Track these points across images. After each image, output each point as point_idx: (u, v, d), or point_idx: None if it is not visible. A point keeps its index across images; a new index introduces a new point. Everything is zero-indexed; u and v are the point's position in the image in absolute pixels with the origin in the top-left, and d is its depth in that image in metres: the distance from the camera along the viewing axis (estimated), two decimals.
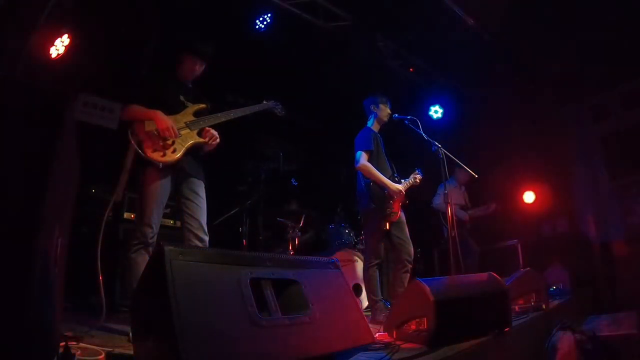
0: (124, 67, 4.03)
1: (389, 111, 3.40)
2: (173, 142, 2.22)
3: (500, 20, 4.56)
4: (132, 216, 3.55)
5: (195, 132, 2.33)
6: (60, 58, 3.33)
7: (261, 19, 4.56)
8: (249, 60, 4.83)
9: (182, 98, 2.42)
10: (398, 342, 1.86)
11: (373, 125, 3.42)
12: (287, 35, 4.64)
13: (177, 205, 2.34)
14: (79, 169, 1.61)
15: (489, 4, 4.39)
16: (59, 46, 3.33)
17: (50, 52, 3.29)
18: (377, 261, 3.12)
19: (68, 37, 3.37)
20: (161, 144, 2.16)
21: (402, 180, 3.26)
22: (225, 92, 5.36)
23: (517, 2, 4.33)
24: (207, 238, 2.28)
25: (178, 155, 2.19)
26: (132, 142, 2.13)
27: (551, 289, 4.01)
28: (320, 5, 4.52)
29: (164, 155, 2.15)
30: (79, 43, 3.48)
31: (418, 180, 3.30)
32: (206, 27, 4.19)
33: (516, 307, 2.89)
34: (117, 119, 4.10)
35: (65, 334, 1.67)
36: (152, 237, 2.16)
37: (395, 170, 3.37)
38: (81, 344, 1.58)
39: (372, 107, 3.45)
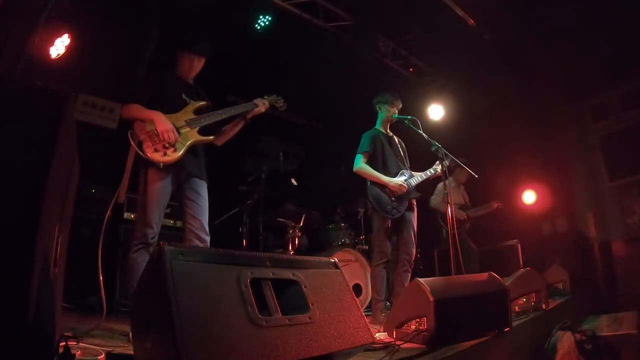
0: (124, 67, 4.03)
1: (394, 111, 3.39)
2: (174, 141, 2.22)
3: (500, 20, 4.56)
4: (133, 216, 3.55)
5: (196, 130, 2.32)
6: (60, 58, 3.33)
7: (261, 18, 4.56)
8: (249, 61, 4.83)
9: (184, 96, 2.42)
10: (398, 342, 1.86)
11: (380, 125, 3.43)
12: (287, 35, 4.64)
13: (179, 206, 2.34)
14: (79, 169, 1.61)
15: (488, 4, 4.39)
16: (59, 46, 3.33)
17: (50, 52, 3.29)
18: (383, 260, 3.10)
19: (68, 37, 3.37)
20: (162, 143, 2.15)
21: (415, 175, 3.25)
22: (225, 93, 5.38)
23: (517, 2, 4.33)
24: (208, 238, 2.28)
25: (179, 154, 2.18)
26: (132, 143, 2.12)
27: (551, 289, 4.01)
28: (320, 5, 4.52)
29: (165, 154, 2.14)
30: (79, 43, 3.48)
31: (439, 171, 3.26)
32: (206, 27, 4.20)
33: (516, 307, 2.89)
34: (117, 119, 4.11)
35: (65, 334, 1.67)
36: (153, 237, 2.16)
37: (406, 167, 3.36)
38: (81, 344, 1.58)
39: (377, 108, 3.46)
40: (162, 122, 2.17)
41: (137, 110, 2.21)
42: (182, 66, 2.49)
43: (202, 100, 2.48)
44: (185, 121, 2.30)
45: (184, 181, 2.31)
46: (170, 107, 2.30)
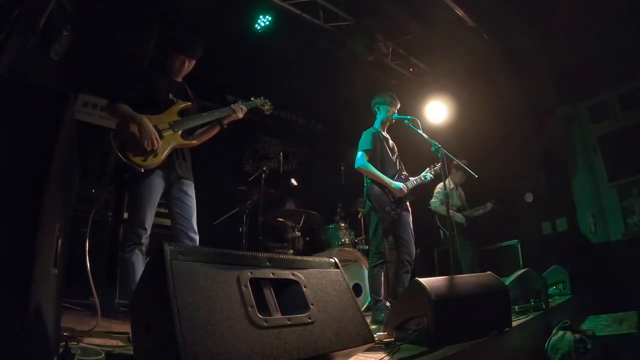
0: (124, 67, 4.03)
1: (393, 111, 3.39)
2: None
3: (499, 20, 4.56)
4: None
5: (179, 133, 2.30)
6: (60, 58, 3.33)
7: (261, 18, 4.57)
8: (249, 61, 4.83)
9: (171, 96, 2.40)
10: (398, 342, 1.86)
11: (379, 125, 3.43)
12: (287, 36, 4.64)
13: (168, 206, 2.34)
14: (79, 168, 1.61)
15: (488, 4, 4.39)
16: (59, 46, 3.33)
17: (50, 52, 3.28)
18: (380, 260, 3.11)
19: (68, 37, 3.37)
20: (143, 147, 2.12)
21: (411, 179, 3.26)
22: (224, 92, 5.38)
23: (517, 2, 4.33)
24: (197, 237, 2.30)
25: (160, 158, 2.17)
26: (114, 146, 2.08)
27: (551, 289, 4.01)
28: (320, 5, 4.52)
29: (146, 159, 2.12)
30: (79, 43, 3.48)
31: (432, 177, 3.30)
32: (206, 27, 4.19)
33: (516, 307, 2.89)
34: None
35: (65, 334, 1.67)
36: (146, 237, 2.18)
37: (403, 169, 3.37)
38: (81, 344, 1.58)
39: (375, 109, 3.46)
40: (146, 128, 2.12)
41: (124, 112, 2.16)
42: (173, 65, 2.46)
43: (188, 100, 2.46)
44: (169, 123, 2.27)
45: (173, 182, 2.32)
46: (156, 107, 2.28)
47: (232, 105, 2.55)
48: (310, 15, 4.51)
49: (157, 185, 2.22)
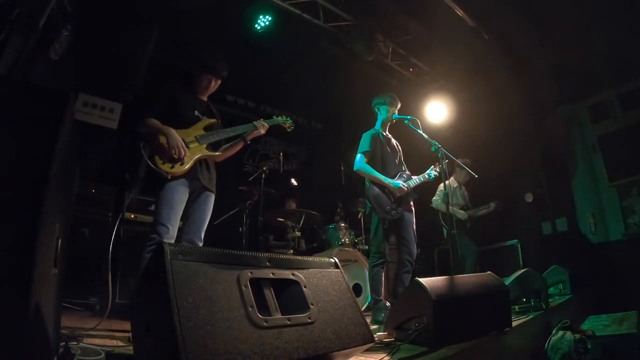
0: (124, 67, 4.03)
1: (393, 111, 3.40)
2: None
3: (500, 20, 4.56)
4: (133, 216, 3.56)
5: (204, 146, 2.47)
6: (60, 58, 3.33)
7: (261, 18, 4.56)
8: (249, 61, 4.83)
9: (196, 113, 2.56)
10: (398, 342, 1.86)
11: (379, 126, 3.43)
12: (288, 36, 4.64)
13: (185, 209, 2.43)
14: (79, 168, 1.61)
15: (488, 4, 4.39)
16: (59, 46, 3.33)
17: (50, 52, 3.28)
18: (380, 260, 3.11)
19: (68, 37, 3.37)
20: (171, 155, 2.30)
21: (413, 177, 3.26)
22: (224, 92, 5.38)
23: (517, 2, 4.33)
24: (201, 244, 2.40)
25: (186, 167, 2.34)
26: (144, 154, 2.27)
27: (551, 289, 4.01)
28: (320, 5, 4.52)
29: (173, 167, 2.30)
30: (79, 43, 3.48)
31: (436, 175, 3.30)
32: (206, 27, 4.20)
33: (516, 307, 2.89)
34: (117, 119, 4.12)
35: (65, 334, 1.67)
36: (168, 237, 2.25)
37: (405, 168, 3.37)
38: (81, 344, 1.58)
39: (376, 109, 3.47)
40: (174, 137, 2.31)
41: (154, 125, 2.34)
42: (200, 84, 2.63)
43: (213, 117, 2.62)
44: (195, 137, 2.45)
45: (196, 190, 2.45)
46: (183, 122, 2.45)
47: (255, 122, 2.71)
48: (310, 15, 4.51)
49: (180, 192, 2.35)
